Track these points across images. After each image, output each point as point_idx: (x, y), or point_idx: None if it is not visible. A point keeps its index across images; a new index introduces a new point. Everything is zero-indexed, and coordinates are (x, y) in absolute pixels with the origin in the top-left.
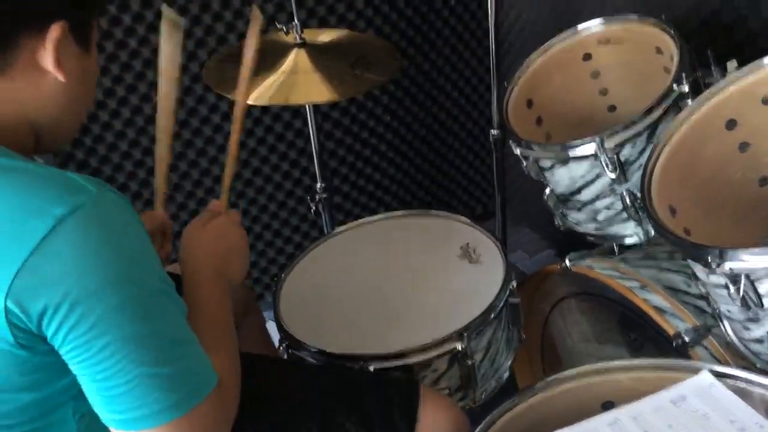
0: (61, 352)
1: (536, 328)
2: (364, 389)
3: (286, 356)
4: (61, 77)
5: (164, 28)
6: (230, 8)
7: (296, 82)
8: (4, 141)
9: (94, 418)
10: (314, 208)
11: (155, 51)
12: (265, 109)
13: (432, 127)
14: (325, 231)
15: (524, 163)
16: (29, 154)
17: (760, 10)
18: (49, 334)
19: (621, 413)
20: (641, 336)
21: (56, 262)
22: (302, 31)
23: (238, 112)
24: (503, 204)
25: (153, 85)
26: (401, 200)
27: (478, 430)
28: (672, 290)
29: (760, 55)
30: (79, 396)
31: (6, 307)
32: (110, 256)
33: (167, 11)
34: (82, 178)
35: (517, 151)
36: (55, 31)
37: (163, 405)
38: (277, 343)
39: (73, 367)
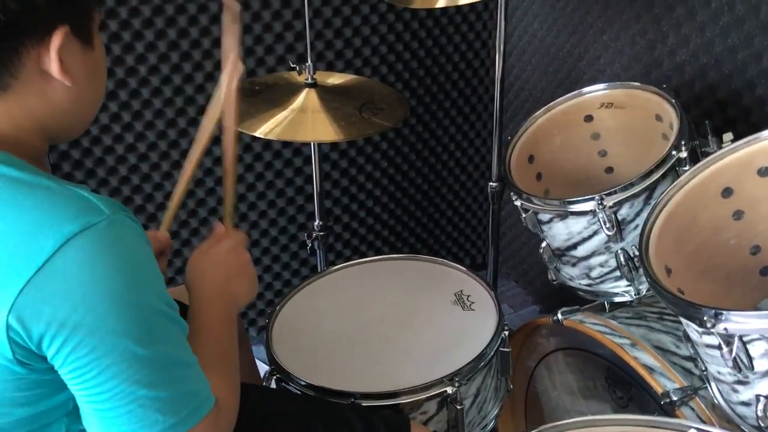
0: (61, 372)
1: (522, 380)
2: (353, 420)
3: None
4: (67, 82)
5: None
6: (242, 45)
7: (305, 120)
8: (20, 153)
9: None
10: (310, 245)
11: (162, 57)
12: (266, 146)
13: (428, 176)
14: (319, 269)
15: (523, 215)
16: (43, 157)
17: (755, 88)
18: (49, 354)
19: None
20: (626, 394)
21: (61, 282)
22: (314, 72)
23: (230, 135)
24: (496, 256)
25: (155, 91)
26: (392, 246)
27: None
28: (661, 350)
29: (754, 130)
30: (73, 413)
31: (8, 323)
32: (117, 280)
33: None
34: (98, 198)
35: (518, 203)
36: (57, 38)
37: (161, 427)
38: (262, 376)
39: (73, 388)
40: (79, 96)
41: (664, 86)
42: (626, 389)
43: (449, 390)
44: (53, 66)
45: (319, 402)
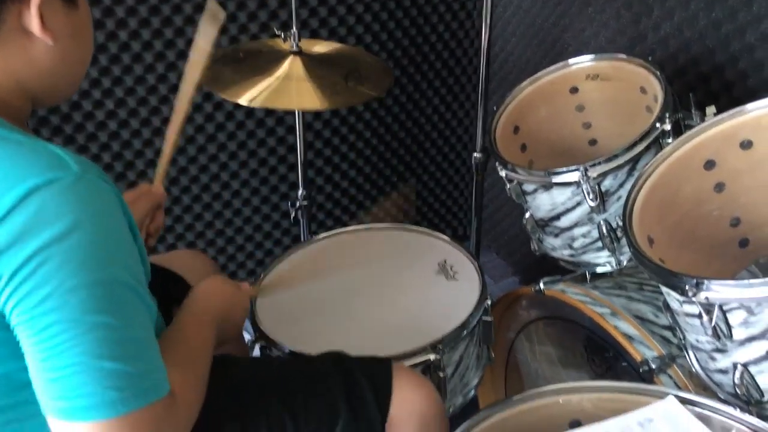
0: (12, 324)
1: (502, 349)
2: (330, 368)
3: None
4: (49, 41)
5: (205, 18)
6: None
7: (289, 88)
8: (5, 112)
9: None
10: (293, 214)
11: (155, 33)
12: (249, 114)
13: (410, 147)
14: (302, 239)
15: (507, 186)
16: (25, 118)
17: (737, 62)
18: (7, 308)
19: (589, 431)
20: (605, 363)
21: (20, 230)
22: (299, 40)
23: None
24: (479, 226)
25: (148, 68)
26: (373, 216)
27: None
28: (640, 319)
29: (736, 104)
30: None
31: None
32: (78, 235)
33: (211, 3)
34: (70, 156)
35: (503, 174)
36: None
37: (100, 399)
38: (247, 341)
39: (21, 343)
40: (63, 56)
41: (650, 58)
42: (605, 358)
43: (432, 357)
44: (34, 23)
45: (296, 358)
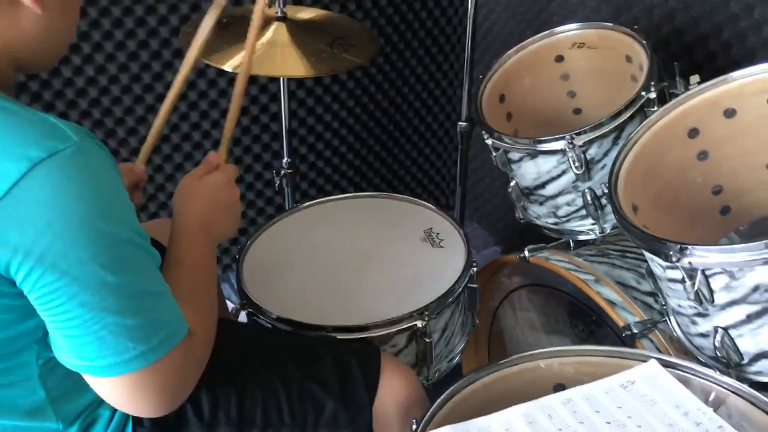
0: (30, 297)
1: (485, 317)
2: (323, 353)
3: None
4: (37, 9)
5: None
6: None
7: (274, 54)
8: None
9: (57, 364)
10: (278, 182)
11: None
12: (232, 81)
13: (394, 117)
14: (287, 207)
15: (493, 154)
16: (9, 86)
17: (721, 32)
18: (18, 278)
19: (573, 393)
20: (587, 328)
21: (27, 208)
22: (284, 5)
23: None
24: (463, 195)
25: (142, 44)
26: (356, 186)
27: (439, 400)
28: (623, 286)
29: (719, 73)
30: (43, 340)
31: None
32: (85, 206)
33: None
34: (66, 125)
35: (489, 142)
36: None
37: (131, 355)
38: (231, 309)
39: (42, 314)
40: (50, 25)
41: (635, 27)
42: (587, 324)
43: (419, 324)
44: None
45: (290, 336)
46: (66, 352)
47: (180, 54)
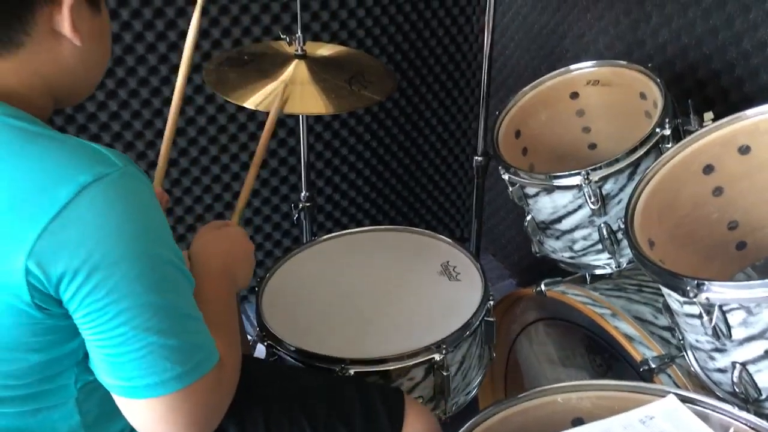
0: (75, 316)
1: (502, 350)
2: (351, 394)
3: (264, 355)
4: (77, 41)
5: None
6: (228, 14)
7: (294, 92)
8: (27, 110)
9: (94, 388)
10: (296, 216)
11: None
12: (251, 116)
13: (410, 150)
14: (304, 240)
15: (510, 189)
16: (47, 117)
17: (734, 69)
18: (65, 297)
19: (592, 428)
20: (605, 362)
21: (78, 228)
22: (304, 44)
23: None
24: (479, 229)
25: (140, 59)
26: (373, 219)
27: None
28: (640, 320)
29: (732, 110)
30: (83, 363)
31: (27, 267)
32: (131, 227)
33: None
34: (109, 150)
35: (505, 177)
36: None
37: (169, 375)
38: (249, 341)
39: (85, 332)
40: (87, 57)
41: (649, 65)
42: (605, 358)
43: (437, 357)
44: (65, 23)
45: (317, 374)
46: (105, 372)
47: (191, 81)
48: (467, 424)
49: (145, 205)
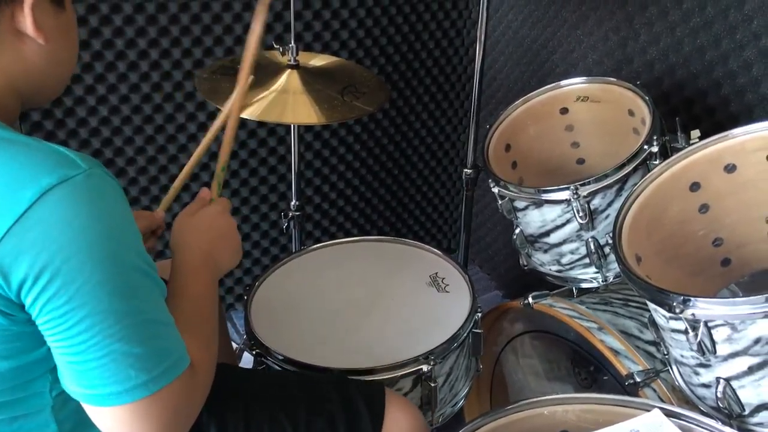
0: (38, 321)
1: (488, 362)
2: (332, 393)
3: (252, 365)
4: (41, 40)
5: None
6: (221, 22)
7: (287, 101)
8: None
9: (69, 397)
10: (286, 224)
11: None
12: (241, 124)
13: (399, 161)
14: (294, 249)
15: (499, 202)
16: (14, 119)
17: (720, 88)
18: (27, 302)
19: None
20: (590, 376)
21: (40, 231)
22: (297, 54)
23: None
24: (467, 240)
25: (143, 77)
26: (361, 228)
27: None
28: (626, 334)
29: (718, 128)
30: (57, 370)
31: None
32: (95, 231)
33: None
34: (75, 154)
35: (495, 190)
36: None
37: (133, 383)
38: (235, 349)
39: (49, 339)
40: (53, 56)
41: (638, 83)
42: (590, 371)
43: (424, 368)
44: (27, 23)
45: (296, 374)
46: (69, 379)
47: (192, 96)
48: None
49: (111, 208)
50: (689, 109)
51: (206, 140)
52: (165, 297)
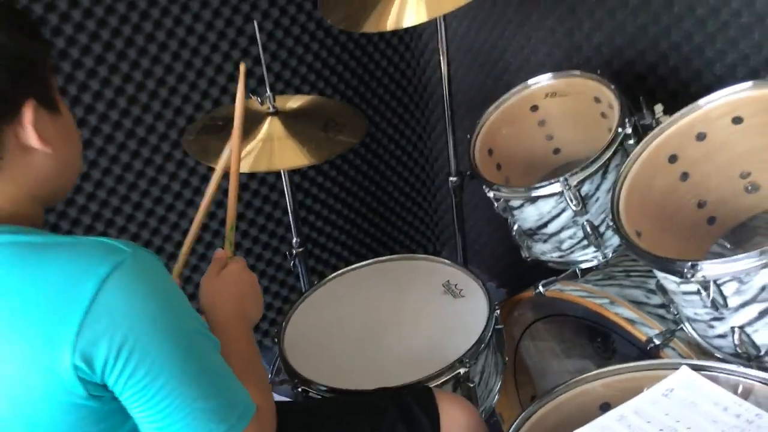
0: (122, 397)
1: (509, 354)
2: (381, 400)
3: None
4: (48, 150)
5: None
6: (205, 77)
7: (273, 148)
8: (25, 224)
9: None
10: (292, 262)
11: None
12: (225, 177)
13: (380, 183)
14: (302, 285)
15: (495, 204)
16: (42, 223)
17: (668, 60)
18: (110, 381)
19: (624, 410)
20: (609, 348)
21: (109, 316)
22: (274, 100)
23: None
24: (463, 245)
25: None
26: (356, 253)
27: None
28: (636, 303)
29: (673, 96)
30: None
31: (74, 364)
32: (155, 305)
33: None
34: (117, 240)
35: (490, 194)
36: (28, 112)
37: None
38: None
39: (133, 411)
40: (61, 160)
41: (599, 71)
42: (608, 344)
43: (462, 371)
44: (32, 138)
45: (343, 399)
46: None
47: (183, 164)
48: (515, 424)
49: (161, 281)
50: (643, 84)
51: (205, 203)
52: (219, 350)
